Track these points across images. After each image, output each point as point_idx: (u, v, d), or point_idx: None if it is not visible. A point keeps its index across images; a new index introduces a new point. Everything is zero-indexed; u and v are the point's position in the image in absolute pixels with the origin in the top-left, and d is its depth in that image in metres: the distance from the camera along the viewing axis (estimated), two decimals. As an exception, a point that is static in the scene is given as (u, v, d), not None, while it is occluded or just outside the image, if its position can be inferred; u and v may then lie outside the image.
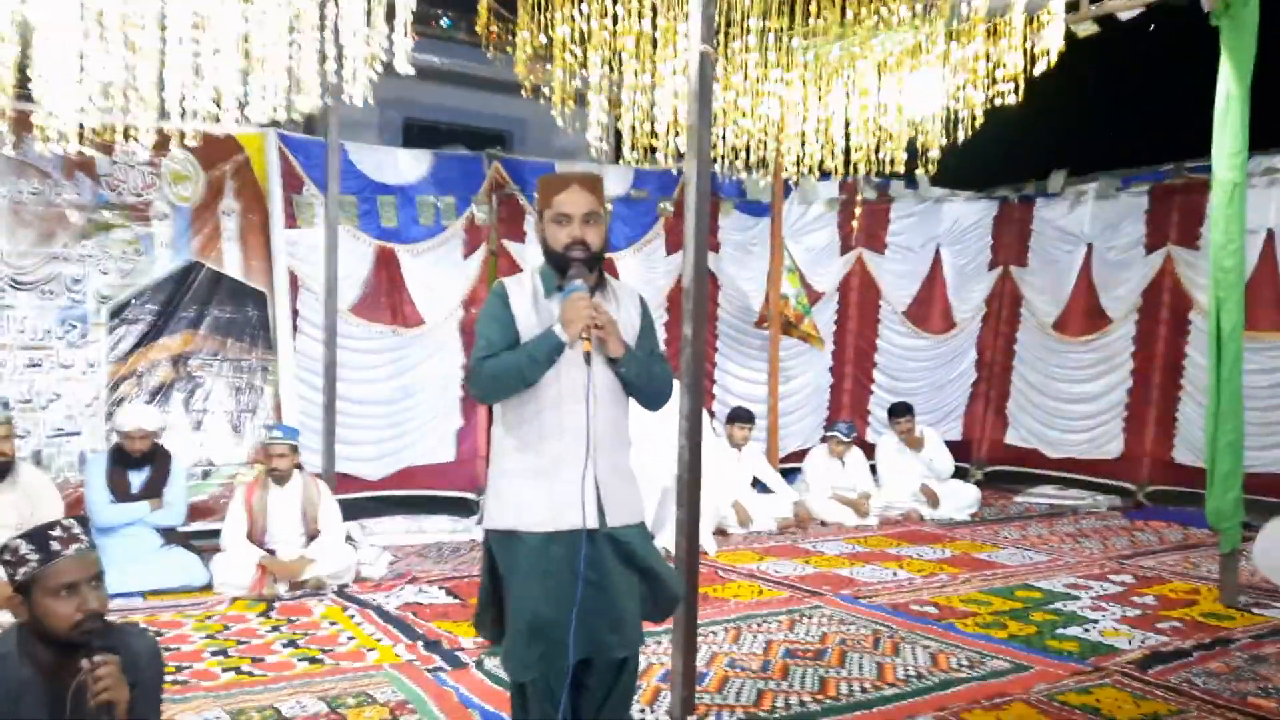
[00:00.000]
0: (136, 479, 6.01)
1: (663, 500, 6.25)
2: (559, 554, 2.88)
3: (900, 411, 8.50)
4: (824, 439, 8.54)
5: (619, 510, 2.98)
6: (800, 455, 8.78)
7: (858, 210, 8.79)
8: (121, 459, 6.02)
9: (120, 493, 5.95)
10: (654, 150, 6.44)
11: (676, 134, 6.05)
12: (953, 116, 6.27)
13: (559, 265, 3.01)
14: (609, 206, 7.75)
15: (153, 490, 6.04)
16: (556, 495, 2.89)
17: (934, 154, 6.51)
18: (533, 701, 2.93)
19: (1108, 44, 6.15)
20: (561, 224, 2.99)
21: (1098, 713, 3.94)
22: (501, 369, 2.89)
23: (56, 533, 2.40)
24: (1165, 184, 8.95)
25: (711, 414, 8.35)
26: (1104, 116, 13.58)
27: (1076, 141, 12.94)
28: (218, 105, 4.64)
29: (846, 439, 8.18)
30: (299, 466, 6.05)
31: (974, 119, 6.12)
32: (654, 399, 3.11)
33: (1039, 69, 5.68)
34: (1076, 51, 5.79)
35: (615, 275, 7.28)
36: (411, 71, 4.26)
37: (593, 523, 2.89)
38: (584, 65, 5.61)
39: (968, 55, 5.85)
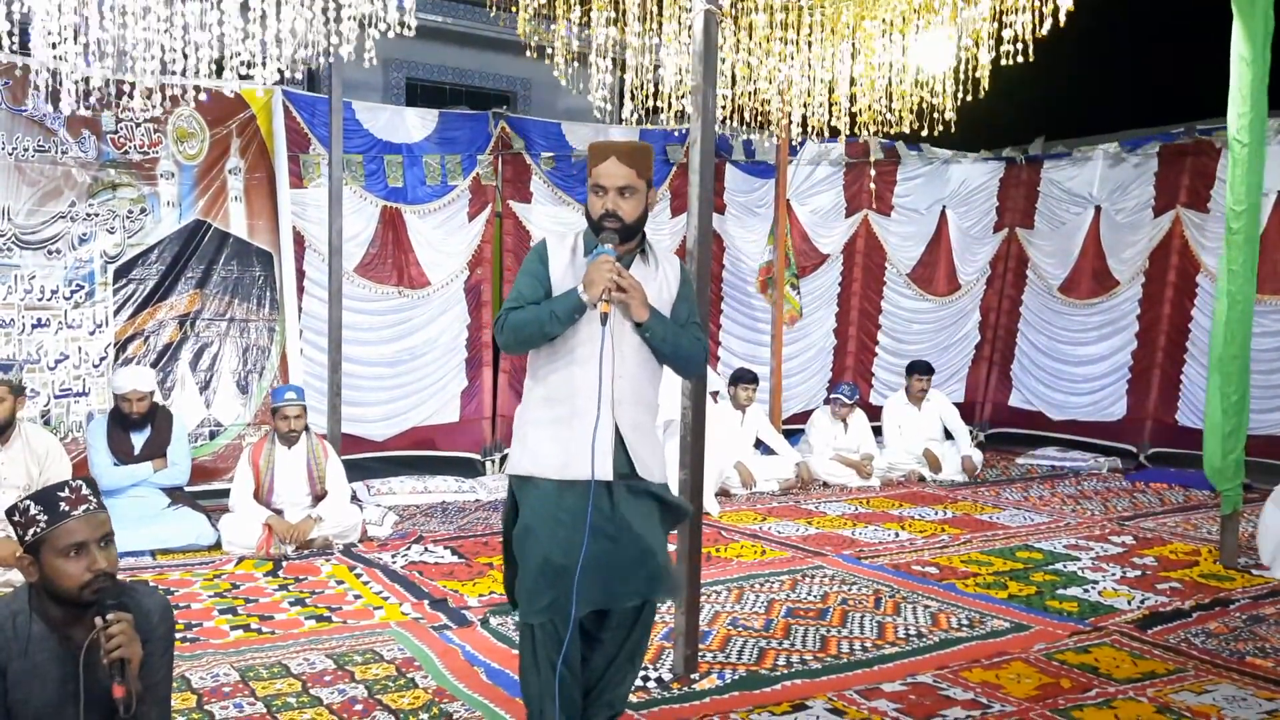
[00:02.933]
0: (138, 440, 6.04)
1: (666, 433, 6.29)
2: (571, 503, 2.95)
3: (920, 369, 8.49)
4: (827, 401, 8.56)
5: (635, 466, 3.05)
6: (804, 417, 8.81)
7: (873, 172, 8.75)
8: (121, 421, 6.04)
9: (122, 455, 5.98)
10: (658, 110, 6.41)
11: (681, 95, 6.02)
12: (961, 76, 6.21)
13: (597, 230, 3.06)
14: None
15: (155, 451, 6.06)
16: (570, 446, 2.97)
17: (946, 115, 6.46)
18: (540, 645, 3.00)
19: (1119, 2, 6.08)
20: (598, 194, 3.04)
21: (1096, 672, 3.98)
22: (524, 321, 2.98)
23: (64, 493, 2.42)
24: (1175, 145, 8.88)
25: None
26: (1115, 76, 13.44)
27: (1086, 102, 12.84)
28: (220, 62, 4.63)
29: (849, 401, 8.20)
30: (306, 427, 6.09)
31: (982, 79, 6.06)
32: (682, 366, 3.20)
33: (1047, 27, 5.61)
34: (1087, 9, 5.71)
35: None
36: (411, 32, 4.23)
37: (602, 475, 2.95)
38: (588, 24, 5.57)
39: (977, 14, 5.78)
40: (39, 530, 2.38)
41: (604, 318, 2.91)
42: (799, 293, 9.02)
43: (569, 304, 2.95)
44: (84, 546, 2.39)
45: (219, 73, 4.82)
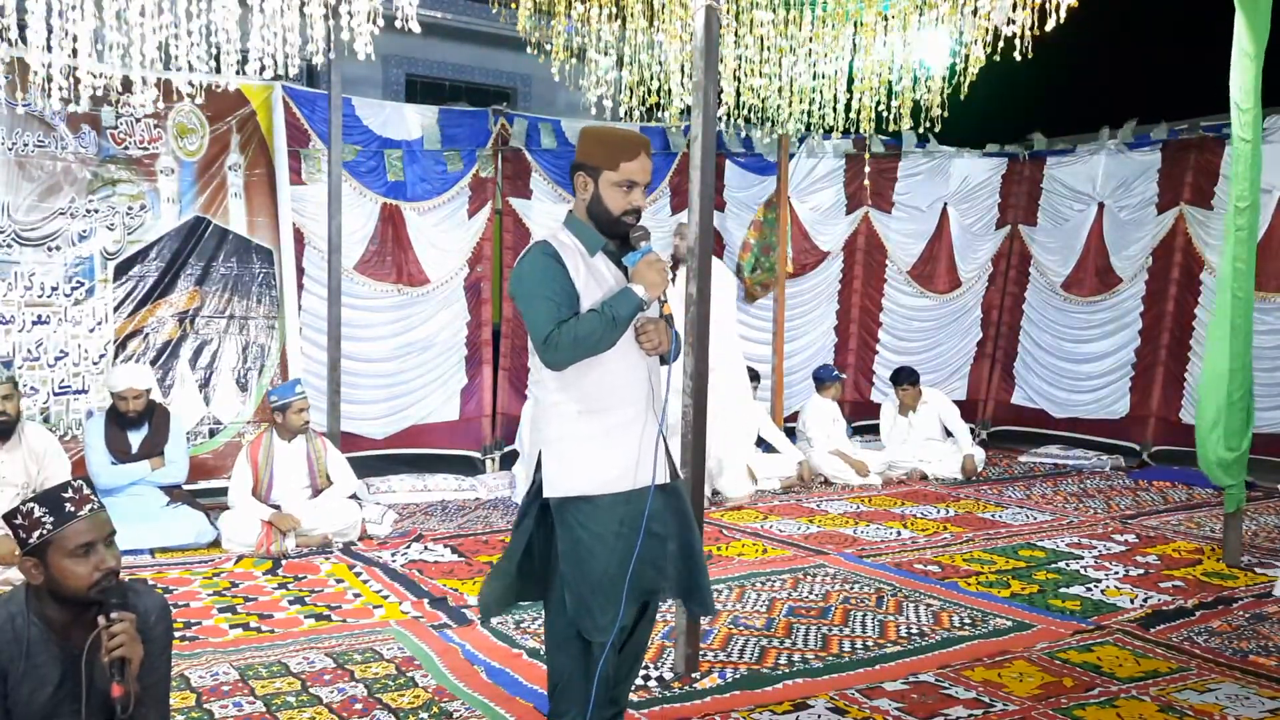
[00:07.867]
0: (135, 438, 6.01)
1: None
2: (627, 513, 2.93)
3: (904, 380, 8.39)
4: (818, 390, 8.42)
5: (676, 465, 3.13)
6: (806, 415, 8.78)
7: (867, 169, 8.72)
8: (118, 419, 6.00)
9: (120, 453, 5.95)
10: (660, 107, 6.38)
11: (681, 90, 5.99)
12: (961, 71, 6.18)
13: (607, 227, 2.98)
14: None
15: (152, 449, 6.04)
16: (628, 456, 2.94)
17: (940, 109, 6.43)
18: (595, 659, 2.95)
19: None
20: (626, 190, 2.95)
21: (1099, 670, 3.97)
22: (586, 332, 2.84)
23: (68, 494, 2.42)
24: (1179, 142, 8.84)
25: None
26: (1118, 72, 13.40)
27: (1089, 98, 12.80)
28: (218, 58, 4.60)
29: (841, 378, 8.37)
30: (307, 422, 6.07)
31: (977, 75, 6.03)
32: (675, 354, 3.24)
33: (1050, 23, 5.58)
34: (1091, 3, 5.67)
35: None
36: (416, 28, 4.21)
37: (661, 479, 2.98)
38: (587, 20, 5.54)
39: (978, 7, 5.75)
40: (45, 532, 2.38)
41: (670, 319, 2.92)
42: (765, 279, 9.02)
43: (630, 306, 2.86)
44: (92, 546, 2.40)
45: (216, 67, 4.79)
